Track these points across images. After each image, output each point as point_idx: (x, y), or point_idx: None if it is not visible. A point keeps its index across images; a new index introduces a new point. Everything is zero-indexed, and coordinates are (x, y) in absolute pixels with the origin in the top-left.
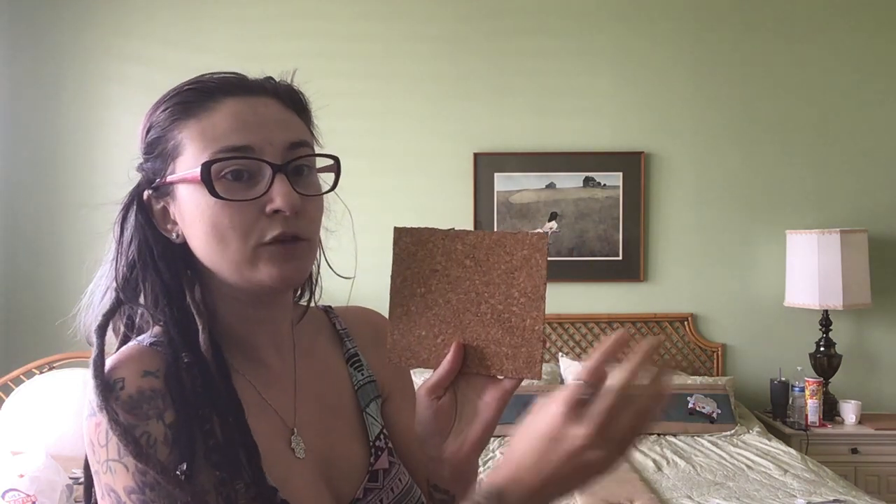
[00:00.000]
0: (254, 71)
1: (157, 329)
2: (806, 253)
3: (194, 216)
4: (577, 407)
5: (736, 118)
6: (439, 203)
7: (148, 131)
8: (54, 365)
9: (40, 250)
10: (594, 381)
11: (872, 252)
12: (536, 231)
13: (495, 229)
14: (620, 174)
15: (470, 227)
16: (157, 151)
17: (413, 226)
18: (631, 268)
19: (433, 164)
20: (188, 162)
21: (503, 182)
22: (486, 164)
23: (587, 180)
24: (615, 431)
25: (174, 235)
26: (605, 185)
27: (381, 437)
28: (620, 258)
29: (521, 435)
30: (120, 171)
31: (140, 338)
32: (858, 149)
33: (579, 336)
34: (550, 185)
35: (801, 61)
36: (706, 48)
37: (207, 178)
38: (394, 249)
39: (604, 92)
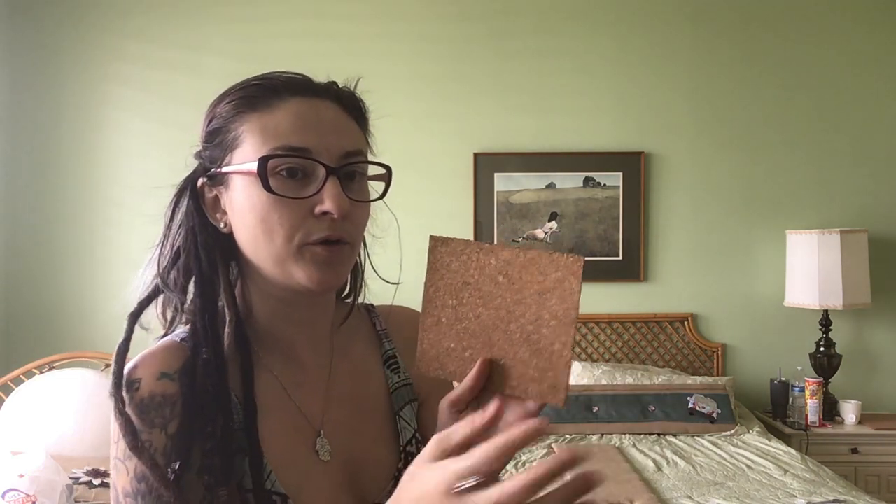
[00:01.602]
0: (252, 71)
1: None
2: (806, 253)
3: (245, 207)
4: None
5: (736, 118)
6: (439, 203)
7: (210, 121)
8: (54, 365)
9: (40, 250)
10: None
11: (872, 252)
12: (573, 255)
13: (495, 229)
14: (620, 174)
15: (470, 227)
16: (217, 141)
17: (450, 236)
18: (631, 268)
19: (433, 164)
20: (246, 154)
21: (503, 182)
22: (486, 164)
23: (587, 180)
24: None
25: (222, 225)
26: (605, 185)
27: (413, 441)
28: (620, 258)
29: (415, 485)
30: (120, 171)
31: (178, 331)
32: (858, 149)
33: (579, 336)
34: (550, 185)
35: (801, 61)
36: (706, 48)
37: (263, 173)
38: (429, 258)
39: (604, 92)
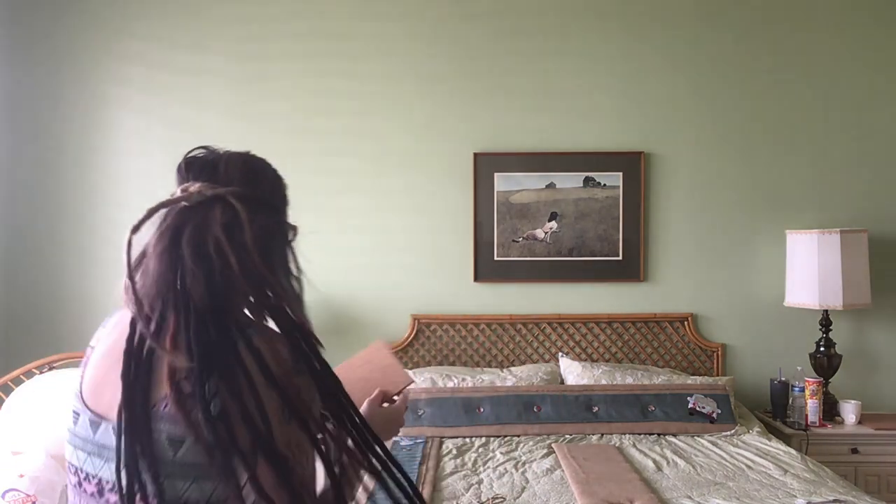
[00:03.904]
0: (254, 70)
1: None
2: (806, 253)
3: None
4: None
5: (736, 118)
6: (439, 203)
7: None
8: (54, 365)
9: (41, 251)
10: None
11: (872, 252)
12: (386, 347)
13: (495, 229)
14: (620, 174)
15: (470, 227)
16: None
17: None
18: (631, 268)
19: (433, 164)
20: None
21: (503, 182)
22: (486, 164)
23: (587, 180)
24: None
25: None
26: (605, 185)
27: None
28: (620, 258)
29: (372, 408)
30: (120, 172)
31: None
32: (858, 149)
33: (579, 336)
34: (550, 185)
35: (800, 61)
36: (706, 48)
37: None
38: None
39: (604, 92)
